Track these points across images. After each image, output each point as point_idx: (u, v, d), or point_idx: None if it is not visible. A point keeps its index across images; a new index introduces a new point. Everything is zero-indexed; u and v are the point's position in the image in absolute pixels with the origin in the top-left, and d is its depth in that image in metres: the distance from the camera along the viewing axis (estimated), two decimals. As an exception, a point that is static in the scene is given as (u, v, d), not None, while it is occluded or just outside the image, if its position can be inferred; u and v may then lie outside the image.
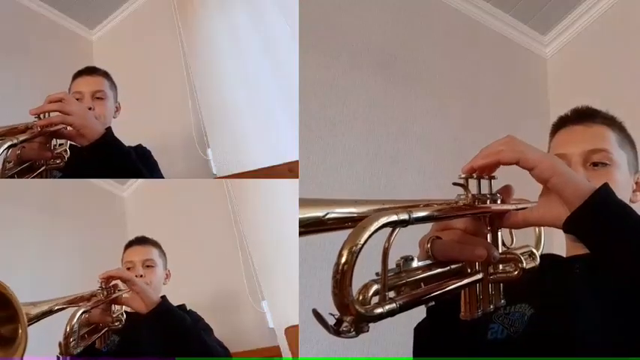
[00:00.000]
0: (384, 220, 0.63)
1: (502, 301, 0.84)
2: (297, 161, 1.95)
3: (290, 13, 2.15)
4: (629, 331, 0.87)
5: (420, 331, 0.97)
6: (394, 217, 0.64)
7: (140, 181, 2.75)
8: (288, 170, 1.98)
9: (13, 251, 2.24)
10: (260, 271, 2.34)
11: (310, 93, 2.06)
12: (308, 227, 0.65)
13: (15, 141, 1.20)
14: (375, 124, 2.21)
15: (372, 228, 0.62)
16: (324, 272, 1.96)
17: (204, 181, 2.54)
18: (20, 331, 1.08)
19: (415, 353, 0.98)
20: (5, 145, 1.18)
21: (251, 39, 2.39)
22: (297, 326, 1.91)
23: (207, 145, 2.51)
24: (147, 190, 2.77)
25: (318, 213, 0.65)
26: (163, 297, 1.58)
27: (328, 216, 0.66)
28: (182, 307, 1.77)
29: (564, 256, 1.12)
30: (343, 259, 0.60)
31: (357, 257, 0.60)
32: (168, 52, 2.62)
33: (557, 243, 1.10)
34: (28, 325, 1.11)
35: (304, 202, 0.66)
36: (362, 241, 0.61)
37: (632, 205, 1.06)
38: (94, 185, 2.68)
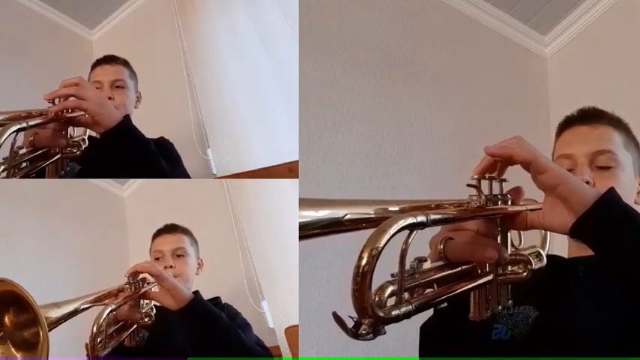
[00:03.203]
0: (402, 222, 0.64)
1: (510, 301, 0.85)
2: (297, 161, 1.95)
3: (290, 13, 2.15)
4: (633, 332, 0.87)
5: (426, 330, 0.98)
6: (412, 220, 0.65)
7: (140, 181, 2.76)
8: (288, 170, 1.98)
9: (13, 251, 2.25)
10: (260, 271, 2.34)
11: (310, 93, 2.06)
12: (324, 228, 0.65)
13: (24, 125, 1.13)
14: (375, 124, 2.21)
15: (392, 231, 0.62)
16: (324, 272, 1.96)
17: (204, 181, 2.54)
18: (42, 334, 1.03)
19: (421, 352, 0.98)
20: (12, 129, 1.10)
21: (251, 39, 2.39)
22: (297, 326, 1.91)
23: (207, 145, 2.51)
24: (147, 190, 2.77)
25: (336, 214, 0.66)
26: (196, 292, 1.44)
27: (347, 217, 0.67)
28: (217, 300, 1.67)
29: (565, 256, 1.12)
30: (364, 262, 0.60)
31: (377, 260, 0.61)
32: (168, 52, 2.62)
33: (557, 243, 1.09)
34: (52, 328, 1.06)
35: (317, 203, 0.66)
36: (382, 244, 0.61)
37: (637, 207, 1.06)
38: (94, 185, 2.68)
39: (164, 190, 2.60)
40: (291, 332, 1.97)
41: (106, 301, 1.26)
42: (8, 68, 2.38)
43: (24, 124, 1.13)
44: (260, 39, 2.38)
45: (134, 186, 2.82)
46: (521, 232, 0.88)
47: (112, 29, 2.90)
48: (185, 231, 1.75)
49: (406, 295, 0.69)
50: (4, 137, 1.09)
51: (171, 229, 1.74)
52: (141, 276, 1.35)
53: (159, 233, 1.73)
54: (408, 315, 0.66)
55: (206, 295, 1.61)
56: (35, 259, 2.31)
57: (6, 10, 2.49)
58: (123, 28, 2.86)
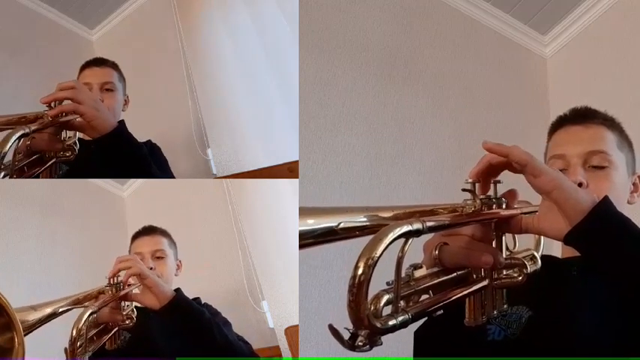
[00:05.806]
0: (399, 230, 0.62)
1: (505, 305, 0.84)
2: (297, 161, 1.95)
3: (290, 13, 2.16)
4: (626, 332, 0.87)
5: (420, 335, 0.97)
6: (409, 228, 0.63)
7: (140, 181, 2.76)
8: (288, 170, 1.98)
9: (12, 251, 2.24)
10: (260, 271, 2.34)
11: (310, 93, 2.06)
12: (318, 238, 0.64)
13: (27, 130, 1.12)
14: (375, 124, 2.21)
15: (388, 240, 0.61)
16: (323, 272, 1.96)
17: (204, 181, 2.54)
18: (16, 341, 0.96)
19: (415, 356, 0.98)
20: (17, 135, 1.10)
21: (251, 39, 2.39)
22: (297, 326, 1.91)
23: (207, 145, 2.51)
24: (147, 190, 2.77)
25: (330, 223, 0.65)
26: (178, 290, 1.45)
27: (341, 225, 0.65)
28: (197, 300, 1.65)
29: (559, 255, 1.12)
30: (360, 271, 0.59)
31: (373, 269, 0.59)
32: (169, 52, 2.62)
33: (551, 242, 1.09)
34: (28, 332, 1.00)
35: (311, 211, 0.65)
36: (378, 253, 0.60)
37: (629, 207, 1.06)
38: (94, 185, 2.68)
39: (164, 190, 2.60)
40: (291, 332, 1.97)
41: (86, 304, 1.23)
42: (8, 68, 2.38)
43: (27, 130, 1.13)
44: (260, 39, 2.38)
45: (134, 186, 2.82)
46: (515, 235, 0.87)
47: (112, 29, 2.90)
48: (164, 233, 1.76)
49: (402, 303, 0.67)
50: (10, 143, 1.09)
51: (149, 230, 1.74)
52: (121, 278, 1.33)
53: (137, 235, 1.74)
54: (404, 324, 0.65)
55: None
56: (35, 259, 2.31)
57: (6, 10, 2.49)
58: (123, 28, 2.86)
